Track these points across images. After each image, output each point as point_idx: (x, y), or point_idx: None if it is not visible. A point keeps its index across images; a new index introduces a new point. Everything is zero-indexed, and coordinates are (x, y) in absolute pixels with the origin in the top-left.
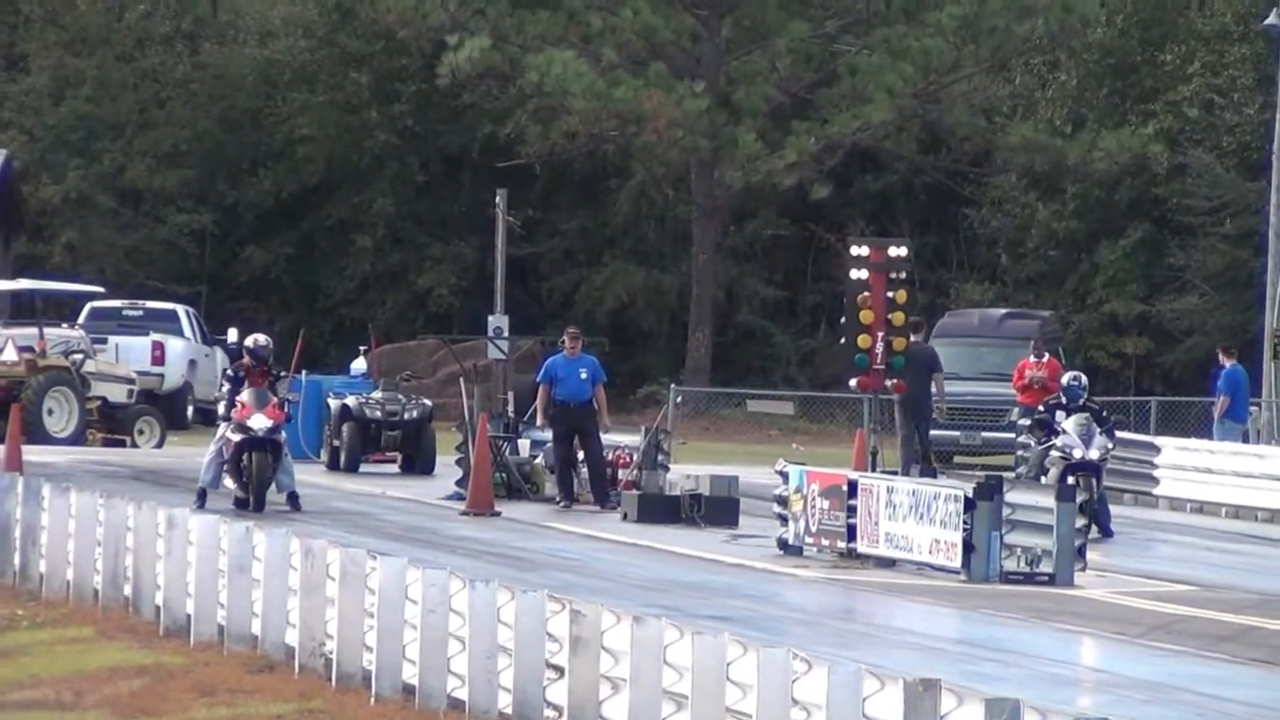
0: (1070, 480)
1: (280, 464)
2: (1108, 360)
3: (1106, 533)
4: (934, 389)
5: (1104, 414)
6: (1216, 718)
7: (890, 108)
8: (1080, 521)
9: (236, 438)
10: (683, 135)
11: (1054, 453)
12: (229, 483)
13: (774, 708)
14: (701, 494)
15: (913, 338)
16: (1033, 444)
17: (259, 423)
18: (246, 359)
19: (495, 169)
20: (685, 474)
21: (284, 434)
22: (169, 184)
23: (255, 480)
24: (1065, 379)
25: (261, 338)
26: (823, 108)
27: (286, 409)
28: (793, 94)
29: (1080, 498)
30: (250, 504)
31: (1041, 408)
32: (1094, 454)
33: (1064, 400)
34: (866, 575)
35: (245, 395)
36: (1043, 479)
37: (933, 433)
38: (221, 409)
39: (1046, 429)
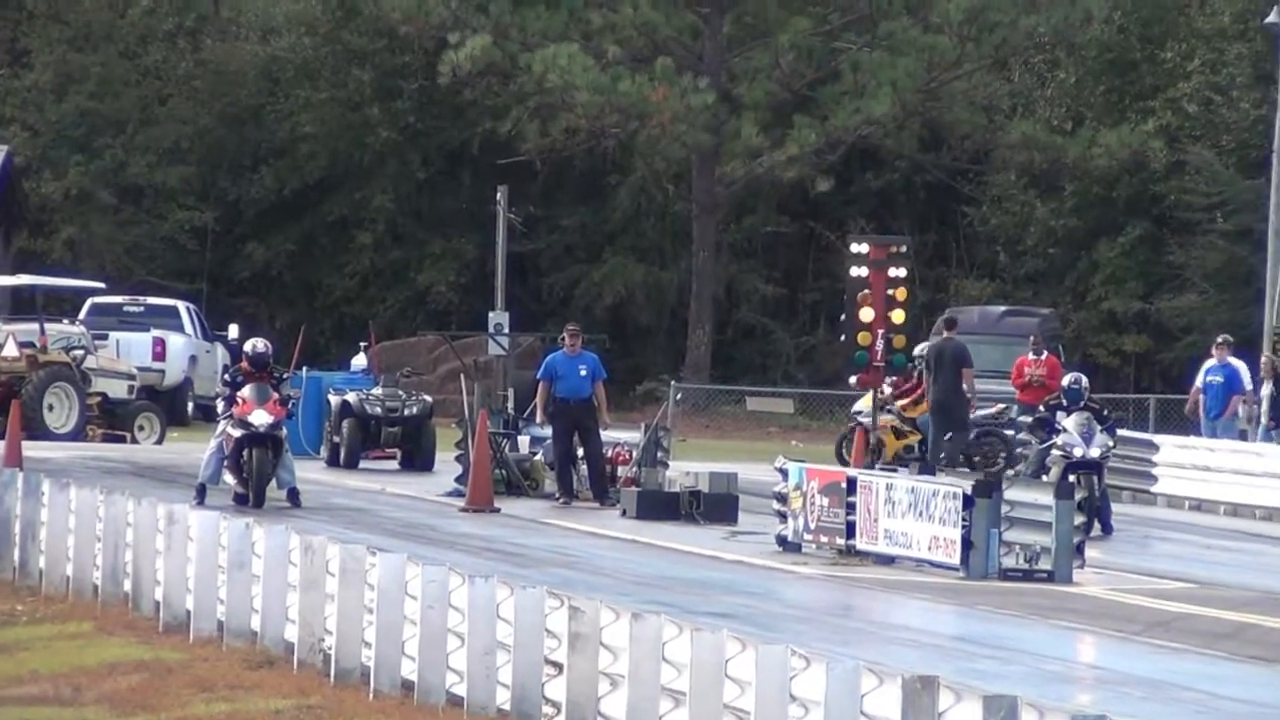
0: (1071, 479)
1: (280, 460)
2: (1107, 358)
3: (1107, 529)
4: (965, 385)
5: (1104, 413)
6: (1215, 715)
7: (892, 103)
8: (1079, 519)
9: (237, 433)
10: (685, 130)
11: (1055, 451)
12: (229, 479)
13: (772, 704)
14: (701, 491)
15: (944, 334)
16: (1033, 443)
17: (260, 418)
18: (245, 364)
19: (495, 166)
20: (684, 471)
21: (284, 430)
22: (170, 180)
23: (255, 476)
24: (1065, 381)
25: (260, 343)
26: (825, 104)
27: (289, 405)
28: (795, 90)
29: (1079, 495)
30: (250, 500)
31: (1041, 408)
32: (1095, 452)
33: (1064, 402)
34: (865, 572)
35: (246, 391)
36: (1043, 477)
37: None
38: (221, 406)
39: (1047, 428)
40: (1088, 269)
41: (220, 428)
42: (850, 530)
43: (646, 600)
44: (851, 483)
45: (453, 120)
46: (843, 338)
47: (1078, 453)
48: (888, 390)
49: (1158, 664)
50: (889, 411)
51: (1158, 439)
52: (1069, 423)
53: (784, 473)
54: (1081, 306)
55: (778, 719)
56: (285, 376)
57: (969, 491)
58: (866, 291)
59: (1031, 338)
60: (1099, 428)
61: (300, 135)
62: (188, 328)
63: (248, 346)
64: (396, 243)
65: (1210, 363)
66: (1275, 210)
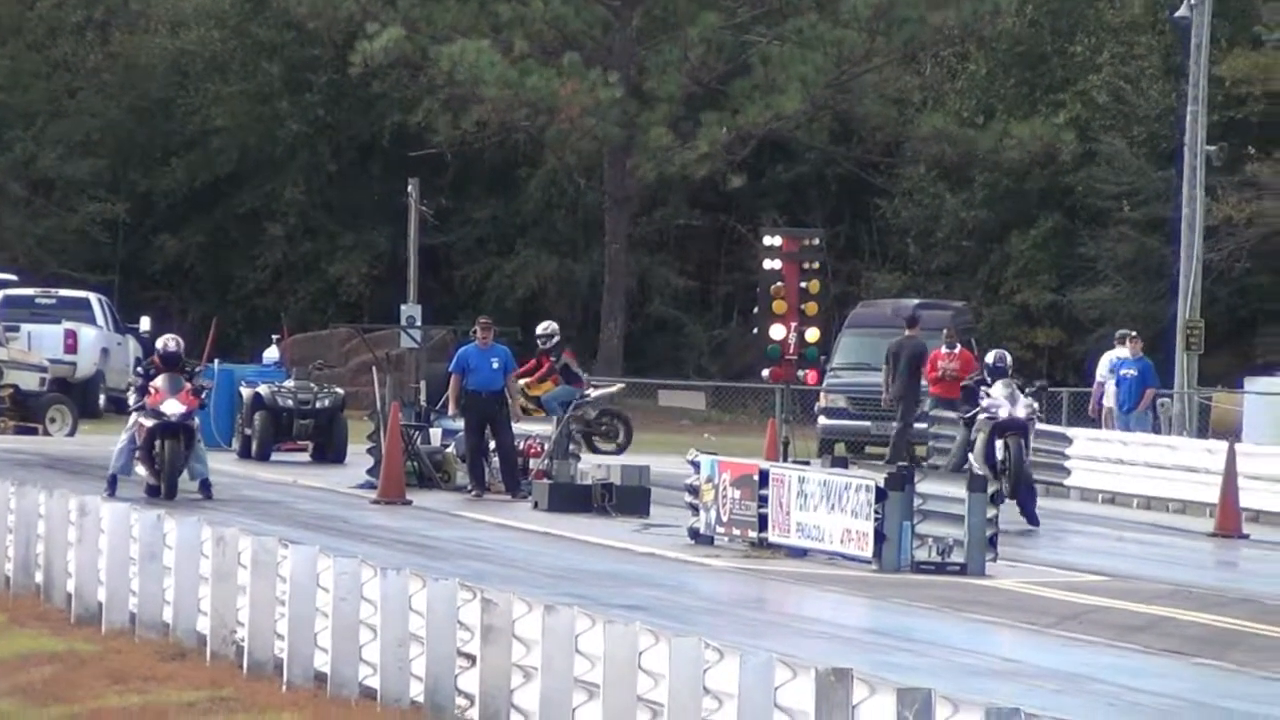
0: (999, 441)
1: (193, 451)
2: (1020, 351)
3: (1032, 520)
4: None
5: (1026, 389)
6: (1128, 708)
7: (802, 98)
8: (995, 488)
9: (149, 423)
10: (595, 124)
11: (981, 416)
12: (141, 470)
13: (685, 697)
14: (613, 483)
15: (906, 332)
16: (958, 415)
17: (172, 408)
18: (158, 359)
19: (406, 158)
20: (596, 463)
21: (197, 421)
22: (80, 173)
23: (168, 467)
24: (989, 358)
25: (172, 341)
26: (734, 98)
27: (202, 396)
28: (704, 84)
29: (1000, 456)
30: (162, 491)
31: (968, 384)
32: (1021, 412)
33: (988, 379)
34: (778, 565)
35: (159, 381)
36: (970, 452)
37: (843, 423)
38: (133, 397)
39: (971, 398)
40: (1000, 262)
41: (132, 419)
42: (763, 523)
43: (559, 593)
44: (764, 475)
45: (363, 113)
46: (755, 330)
47: (1003, 413)
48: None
49: (1071, 657)
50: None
51: (1071, 432)
52: (995, 390)
53: (696, 465)
54: (994, 300)
55: (691, 711)
56: (198, 370)
57: (881, 484)
58: (780, 284)
59: (945, 331)
60: (1022, 396)
61: (211, 128)
62: (99, 320)
63: (159, 344)
64: (308, 235)
65: (1112, 355)
66: (1187, 202)
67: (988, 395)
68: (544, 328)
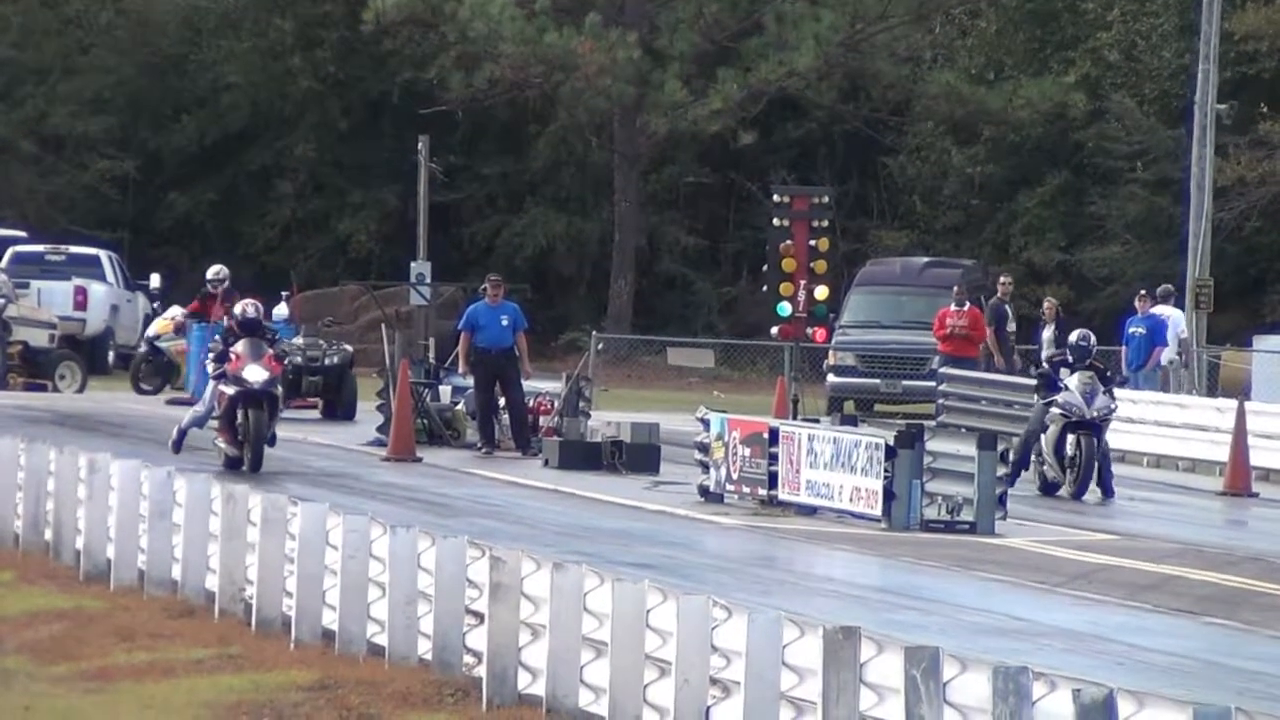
0: (1070, 438)
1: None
2: (1028, 309)
3: (1109, 493)
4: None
5: (1108, 373)
6: (1137, 667)
7: (816, 56)
8: (1066, 486)
9: (230, 391)
10: (610, 83)
11: (1054, 410)
12: (220, 442)
13: (694, 655)
14: (623, 441)
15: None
16: (1035, 400)
17: (255, 375)
18: (235, 325)
19: (417, 115)
20: (606, 421)
21: (279, 388)
22: (92, 130)
23: (252, 438)
24: (1073, 337)
25: (251, 307)
26: (748, 56)
27: (285, 362)
28: (718, 42)
29: (1070, 453)
30: (245, 463)
31: (1046, 364)
32: (1094, 412)
33: (1070, 358)
34: (787, 523)
35: (240, 346)
36: (1042, 436)
37: (852, 381)
38: (211, 366)
39: (1050, 386)
40: (1007, 219)
41: (210, 388)
42: (772, 481)
43: (568, 550)
44: (774, 433)
45: (374, 70)
46: (764, 288)
47: (1078, 413)
48: (181, 313)
49: (1080, 616)
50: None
51: None
52: (1072, 381)
53: (706, 423)
54: (1003, 258)
55: (699, 669)
56: (277, 336)
57: (891, 442)
58: (789, 242)
59: (955, 289)
60: (1102, 388)
61: (222, 85)
62: (109, 277)
63: (237, 310)
64: (318, 192)
65: (1159, 311)
66: (1197, 161)
67: (1066, 388)
68: (214, 271)
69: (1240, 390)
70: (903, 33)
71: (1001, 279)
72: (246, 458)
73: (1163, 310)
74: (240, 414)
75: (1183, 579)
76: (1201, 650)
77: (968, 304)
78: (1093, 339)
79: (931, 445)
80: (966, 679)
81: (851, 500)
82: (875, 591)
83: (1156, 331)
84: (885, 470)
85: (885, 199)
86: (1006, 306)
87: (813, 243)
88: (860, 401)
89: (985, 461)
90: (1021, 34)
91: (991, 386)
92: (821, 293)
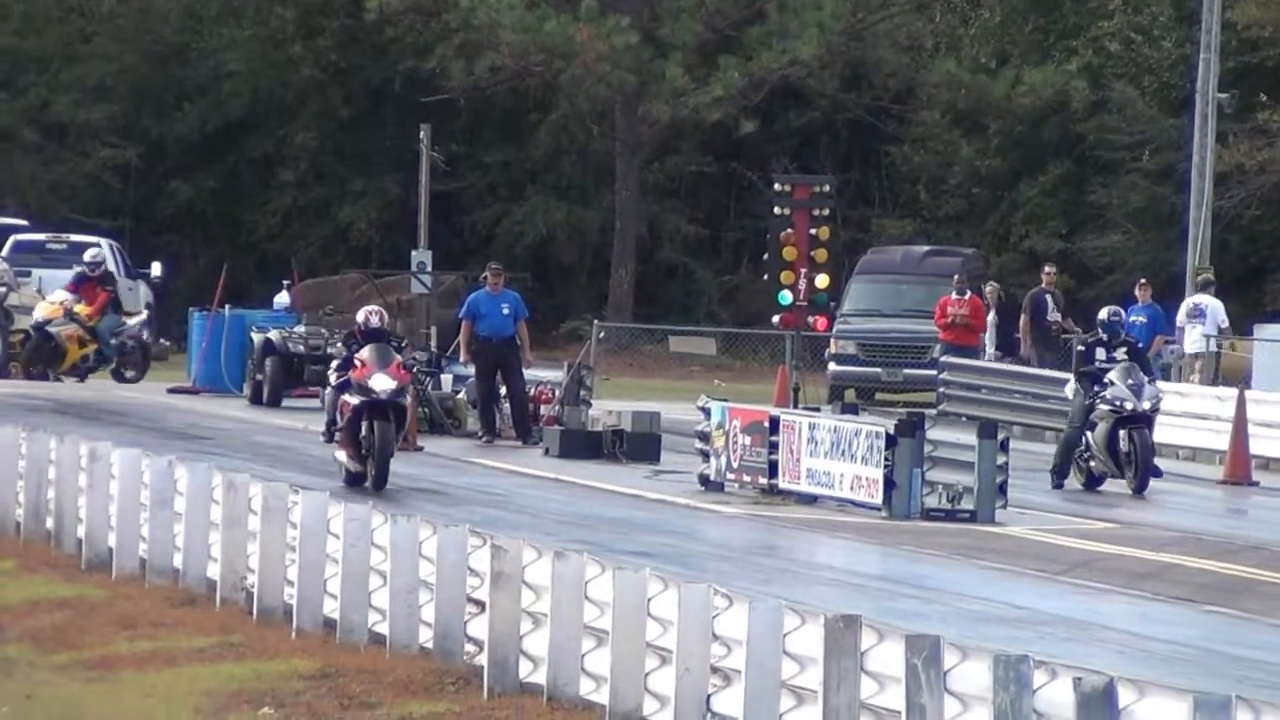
0: (1122, 434)
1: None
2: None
3: (1144, 483)
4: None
5: (1139, 346)
6: (1138, 655)
7: (818, 44)
8: (1127, 483)
9: (355, 401)
10: (610, 70)
11: (1103, 405)
12: (340, 455)
13: (695, 643)
14: (623, 430)
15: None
16: (1078, 395)
17: (382, 384)
18: (359, 331)
19: (418, 104)
20: (607, 410)
21: (408, 399)
22: (94, 118)
23: (378, 452)
24: (1103, 314)
25: (375, 316)
26: (749, 44)
27: (414, 370)
28: (719, 30)
29: (1123, 448)
30: (369, 479)
31: (1081, 347)
32: (1145, 405)
33: (1103, 336)
34: (788, 511)
35: (366, 352)
36: (1088, 434)
37: (853, 369)
38: (333, 376)
39: (1093, 380)
40: (1009, 209)
41: (329, 395)
42: (773, 469)
43: (569, 539)
44: (774, 422)
45: (376, 58)
46: (765, 277)
47: (1129, 406)
48: (69, 298)
49: (1081, 604)
50: (74, 320)
51: None
52: (1115, 375)
53: (706, 412)
54: (1004, 247)
55: (700, 658)
56: (404, 346)
57: (891, 431)
58: (789, 231)
59: (955, 277)
60: (1145, 379)
61: (224, 73)
62: (111, 265)
63: (359, 318)
64: (319, 180)
65: (1189, 301)
66: (1198, 150)
67: (1110, 383)
68: (91, 254)
69: (1240, 379)
70: (904, 21)
71: (1046, 269)
72: (370, 473)
73: (1202, 299)
74: (365, 425)
75: (1183, 567)
76: (1202, 639)
77: (968, 292)
78: (1123, 314)
79: (932, 434)
80: (967, 667)
81: (852, 489)
82: (876, 580)
83: (1156, 320)
84: (886, 459)
85: (887, 187)
86: (1047, 296)
87: (814, 231)
88: (861, 390)
89: (986, 450)
90: (1023, 23)
91: (993, 375)
92: (822, 281)
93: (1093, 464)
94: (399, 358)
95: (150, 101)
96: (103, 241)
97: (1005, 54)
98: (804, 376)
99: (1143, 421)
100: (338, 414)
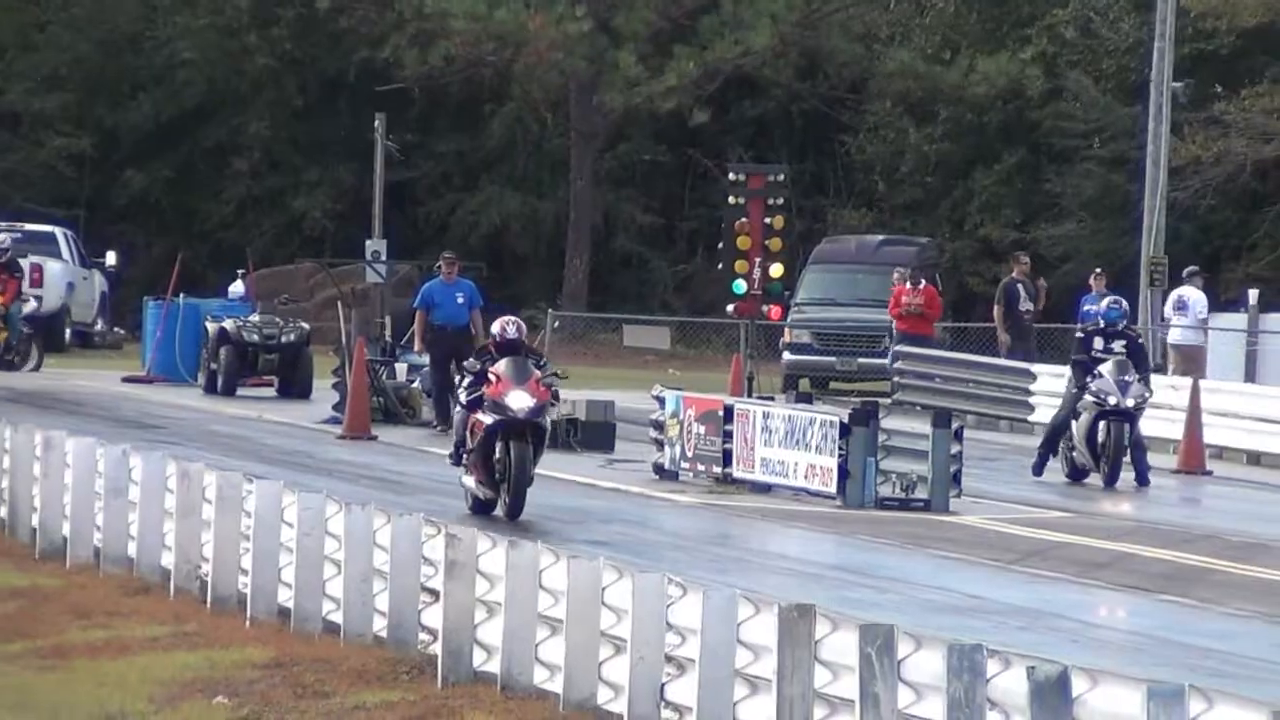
0: (1102, 425)
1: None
2: (983, 287)
3: (1143, 480)
4: None
5: (1139, 340)
6: (1091, 644)
7: (771, 34)
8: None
9: (489, 420)
10: (563, 58)
11: (1088, 397)
12: (468, 480)
13: (649, 632)
14: (578, 418)
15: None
16: (1069, 384)
17: (519, 402)
18: (493, 345)
19: (373, 93)
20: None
21: (547, 419)
22: (48, 107)
23: (513, 477)
24: (1104, 302)
25: (512, 326)
26: (703, 34)
27: (553, 390)
28: (673, 20)
29: (1100, 439)
30: (502, 507)
31: (1080, 334)
32: (1129, 402)
33: (1102, 325)
34: (742, 500)
35: (501, 366)
36: (1073, 423)
37: (808, 358)
38: (464, 394)
39: (1085, 370)
40: (964, 197)
41: (457, 417)
42: (727, 458)
43: (523, 528)
44: (729, 411)
45: (330, 47)
46: (720, 266)
47: (1112, 401)
48: None
49: (1035, 593)
50: None
51: (1034, 368)
52: (1106, 368)
53: (661, 401)
54: (959, 235)
55: (654, 647)
56: (544, 362)
57: (845, 420)
58: (744, 220)
59: (896, 272)
60: (1136, 376)
61: (178, 62)
62: (65, 254)
63: (495, 329)
64: (273, 170)
65: (1177, 293)
66: (1153, 139)
67: (1099, 375)
68: None
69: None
70: (859, 11)
71: (1021, 258)
72: (503, 500)
73: (1186, 291)
74: (500, 447)
75: (1137, 556)
76: (1155, 627)
77: (923, 282)
78: (1124, 304)
79: (886, 423)
80: (921, 656)
81: (806, 478)
82: (830, 569)
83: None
84: (840, 448)
85: (842, 177)
86: (1019, 285)
87: (768, 220)
88: (815, 379)
89: (940, 439)
90: (977, 12)
91: (947, 364)
92: (776, 270)
93: (1074, 454)
94: (537, 373)
95: (104, 90)
96: (57, 230)
97: (958, 43)
98: (758, 365)
99: (1124, 417)
100: (468, 434)
